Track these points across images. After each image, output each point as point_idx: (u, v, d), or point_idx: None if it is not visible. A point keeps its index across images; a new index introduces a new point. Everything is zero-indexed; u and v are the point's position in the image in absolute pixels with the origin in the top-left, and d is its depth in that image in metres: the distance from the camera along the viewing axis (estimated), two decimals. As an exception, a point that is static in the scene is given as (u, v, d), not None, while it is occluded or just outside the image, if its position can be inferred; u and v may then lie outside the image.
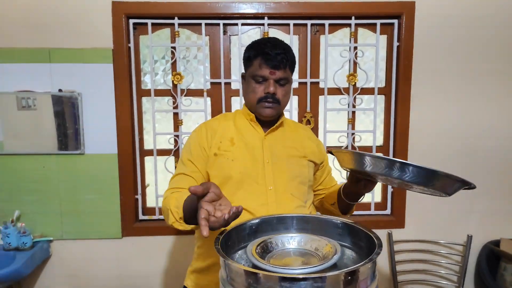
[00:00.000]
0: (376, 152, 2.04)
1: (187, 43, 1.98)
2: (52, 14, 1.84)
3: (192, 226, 1.00)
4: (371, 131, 2.02)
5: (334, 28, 1.97)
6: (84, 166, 1.93)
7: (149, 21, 1.89)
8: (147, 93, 1.98)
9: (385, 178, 0.85)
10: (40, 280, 1.99)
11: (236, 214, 0.80)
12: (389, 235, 2.04)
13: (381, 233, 2.04)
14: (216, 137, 1.21)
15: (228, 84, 1.98)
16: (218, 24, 1.91)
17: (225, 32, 1.95)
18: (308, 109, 1.99)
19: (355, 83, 1.99)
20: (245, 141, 1.21)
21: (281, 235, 0.91)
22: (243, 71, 1.28)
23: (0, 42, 1.84)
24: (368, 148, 2.04)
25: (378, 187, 2.09)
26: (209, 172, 1.19)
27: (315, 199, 1.38)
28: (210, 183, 0.84)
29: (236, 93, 1.99)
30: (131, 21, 1.89)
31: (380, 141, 2.08)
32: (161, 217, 2.02)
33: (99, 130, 1.91)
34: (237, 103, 1.99)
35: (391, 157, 0.90)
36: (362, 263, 0.69)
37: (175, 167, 1.43)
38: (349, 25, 1.95)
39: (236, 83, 1.98)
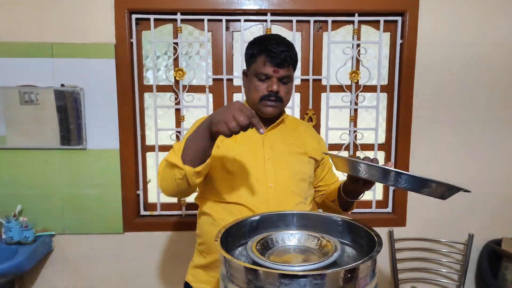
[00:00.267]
0: (378, 150, 2.03)
1: (190, 39, 1.98)
2: (54, 8, 1.84)
3: (188, 168, 0.97)
4: (373, 128, 2.01)
5: (337, 25, 1.96)
6: (86, 161, 1.93)
7: (152, 17, 1.88)
8: (149, 88, 1.98)
9: (380, 182, 0.87)
10: (42, 274, 2.00)
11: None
12: (390, 233, 2.04)
13: (382, 231, 2.04)
14: None
15: (230, 80, 1.98)
16: (221, 20, 1.91)
17: (227, 28, 1.95)
18: (310, 106, 1.99)
19: (358, 80, 1.98)
20: (246, 138, 1.21)
21: (281, 232, 0.91)
22: (245, 67, 1.27)
23: (3, 37, 1.84)
24: (370, 146, 2.04)
25: (379, 185, 2.09)
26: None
27: (316, 196, 1.38)
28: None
29: (238, 89, 1.99)
30: (134, 16, 1.88)
31: (382, 139, 2.07)
32: (163, 212, 2.02)
33: (101, 125, 1.92)
34: (239, 99, 1.99)
35: (392, 164, 0.91)
36: (362, 260, 0.69)
37: None
38: (352, 22, 1.94)
39: (238, 80, 1.98)
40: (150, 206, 2.06)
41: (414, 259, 2.07)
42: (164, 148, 2.00)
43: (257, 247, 0.82)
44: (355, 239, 0.91)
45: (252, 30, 1.97)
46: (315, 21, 1.93)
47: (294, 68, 1.22)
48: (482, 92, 1.98)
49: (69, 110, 1.89)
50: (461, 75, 1.96)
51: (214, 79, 1.97)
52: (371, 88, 2.01)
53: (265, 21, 1.92)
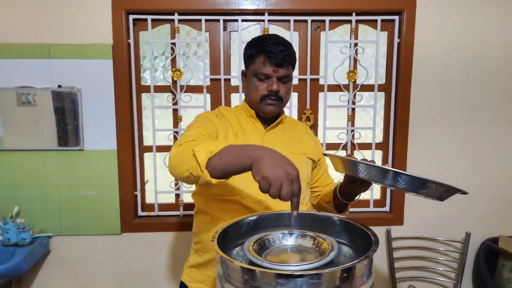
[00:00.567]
0: (376, 149, 2.04)
1: (187, 39, 1.98)
2: (51, 9, 1.84)
3: (208, 177, 0.87)
4: (370, 128, 2.01)
5: (334, 24, 1.97)
6: (84, 162, 1.93)
7: (149, 17, 1.88)
8: (146, 89, 1.98)
9: (379, 183, 0.87)
10: (39, 275, 1.99)
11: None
12: (388, 232, 2.04)
13: (380, 230, 2.04)
14: (225, 125, 1.20)
15: (227, 80, 1.98)
16: (218, 20, 1.91)
17: (225, 28, 1.95)
18: (308, 106, 1.99)
19: (355, 79, 1.98)
20: (247, 137, 1.21)
21: (278, 232, 0.91)
22: (243, 67, 1.27)
23: (0, 38, 1.84)
24: (368, 145, 2.04)
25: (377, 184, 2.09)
26: None
27: (311, 196, 1.38)
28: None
29: (235, 89, 1.98)
30: (131, 16, 1.88)
31: (379, 138, 2.08)
32: (160, 213, 2.02)
33: (99, 126, 1.91)
34: (237, 99, 1.99)
35: (389, 166, 0.91)
36: (358, 260, 0.69)
37: None
38: (349, 21, 1.94)
39: (236, 80, 1.98)
40: (147, 207, 2.06)
41: (412, 257, 2.08)
42: (162, 148, 2.00)
43: (254, 247, 0.82)
44: (352, 238, 0.91)
45: (250, 30, 1.97)
46: (312, 21, 1.94)
47: (293, 68, 1.23)
48: (480, 91, 1.98)
49: (66, 111, 1.89)
50: (459, 74, 1.96)
51: (211, 79, 1.97)
52: (368, 88, 2.01)
53: (263, 21, 1.92)
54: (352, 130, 2.03)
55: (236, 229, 0.91)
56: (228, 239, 0.88)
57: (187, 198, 2.03)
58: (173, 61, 1.95)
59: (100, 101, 1.90)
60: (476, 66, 1.96)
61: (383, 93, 2.04)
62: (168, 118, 2.02)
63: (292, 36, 1.91)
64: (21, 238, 1.80)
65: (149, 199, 2.07)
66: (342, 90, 2.00)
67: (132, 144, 1.96)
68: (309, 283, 0.65)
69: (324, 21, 1.92)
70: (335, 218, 0.94)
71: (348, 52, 1.97)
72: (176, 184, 2.03)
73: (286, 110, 1.86)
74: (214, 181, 0.87)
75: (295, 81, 1.99)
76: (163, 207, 2.04)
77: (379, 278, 2.10)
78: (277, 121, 1.26)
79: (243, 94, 1.27)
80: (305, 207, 1.24)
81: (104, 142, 1.92)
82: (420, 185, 0.80)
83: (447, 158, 2.02)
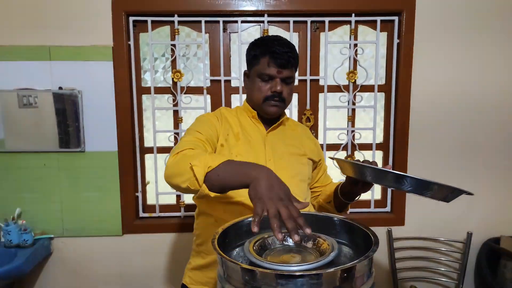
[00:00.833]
0: (376, 150, 2.04)
1: (187, 41, 1.98)
2: (52, 11, 1.84)
3: (206, 190, 0.88)
4: (371, 128, 2.02)
5: (334, 25, 1.97)
6: (85, 163, 1.93)
7: (149, 19, 1.89)
8: (147, 90, 1.98)
9: (384, 185, 0.89)
10: (41, 277, 2.00)
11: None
12: (389, 233, 2.04)
13: (381, 231, 2.04)
14: (225, 127, 1.21)
15: (228, 81, 1.98)
16: (218, 22, 1.91)
17: (225, 30, 1.95)
18: (308, 107, 1.99)
19: (355, 80, 1.98)
20: (248, 138, 1.22)
21: (278, 232, 0.91)
22: (244, 68, 1.28)
23: (0, 40, 1.84)
24: (368, 146, 2.04)
25: (378, 185, 2.09)
26: None
27: (311, 196, 1.39)
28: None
29: (236, 90, 1.99)
30: (131, 18, 1.89)
31: (380, 138, 2.08)
32: (162, 214, 2.02)
33: (100, 128, 1.92)
34: (237, 100, 1.99)
35: (391, 168, 0.93)
36: (358, 260, 0.69)
37: None
38: (349, 22, 1.94)
39: (236, 81, 1.98)
40: (149, 208, 2.06)
41: (413, 258, 2.07)
42: (163, 149, 2.00)
43: (254, 248, 0.83)
44: (352, 238, 0.91)
45: (250, 31, 1.97)
46: (312, 22, 1.94)
47: (296, 69, 1.24)
48: (481, 95, 1.98)
49: (67, 113, 1.89)
50: (459, 75, 1.96)
51: (211, 81, 1.97)
52: (368, 88, 2.01)
53: (262, 22, 1.92)
54: (353, 131, 2.03)
55: (236, 229, 0.91)
56: (229, 240, 0.88)
57: (188, 199, 2.04)
58: (173, 62, 1.96)
59: (100, 102, 1.90)
60: (477, 65, 1.96)
61: (383, 94, 2.04)
62: (168, 119, 2.03)
63: (291, 37, 1.91)
64: (23, 240, 1.81)
65: (150, 200, 2.07)
66: (342, 91, 2.00)
67: (133, 145, 1.97)
68: (309, 283, 0.65)
69: (323, 22, 1.92)
70: (335, 219, 0.95)
71: (347, 52, 1.98)
72: (177, 185, 2.03)
73: (286, 111, 1.86)
74: (212, 194, 0.89)
75: (295, 82, 1.99)
76: (164, 208, 2.04)
77: (380, 278, 2.10)
78: (278, 122, 1.27)
79: (243, 95, 1.28)
80: (305, 208, 1.24)
81: (105, 143, 1.93)
82: (425, 187, 0.82)
83: (448, 158, 2.02)
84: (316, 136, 2.02)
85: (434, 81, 1.96)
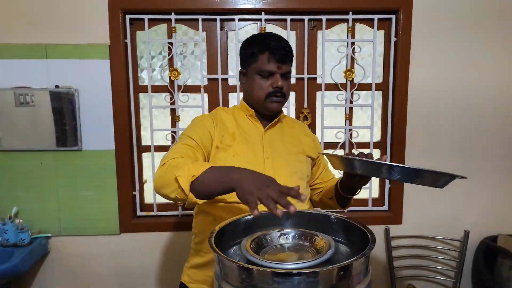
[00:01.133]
0: (374, 148, 2.04)
1: (184, 39, 1.98)
2: (48, 9, 1.83)
3: (193, 197, 0.90)
4: (368, 126, 2.02)
5: (331, 23, 1.97)
6: (82, 162, 1.93)
7: (146, 17, 1.88)
8: (144, 89, 1.97)
9: (375, 176, 0.90)
10: (38, 276, 1.99)
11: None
12: (387, 231, 2.04)
13: (379, 229, 2.05)
14: (220, 129, 1.21)
15: (225, 80, 1.98)
16: (215, 20, 1.91)
17: (222, 28, 1.94)
18: (305, 105, 1.99)
19: (353, 78, 1.98)
20: (245, 137, 1.21)
21: (275, 231, 0.91)
22: (239, 67, 1.27)
23: (-3, 38, 1.84)
24: (366, 144, 2.04)
25: (375, 183, 2.10)
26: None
27: (313, 194, 1.39)
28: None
29: (233, 89, 1.98)
30: (128, 16, 1.88)
31: (377, 136, 2.08)
32: (159, 213, 2.02)
33: (97, 126, 1.91)
34: (235, 99, 1.99)
35: (387, 158, 0.95)
36: (354, 258, 0.69)
37: None
38: (346, 20, 1.94)
39: (233, 79, 1.98)
40: (146, 207, 2.06)
41: (411, 256, 2.08)
42: (160, 148, 2.00)
43: (251, 246, 0.83)
44: (349, 236, 0.91)
45: (247, 29, 1.97)
46: (309, 20, 1.93)
47: (291, 64, 1.25)
48: (478, 93, 1.98)
49: (64, 111, 1.89)
50: (456, 73, 1.96)
51: (209, 79, 1.97)
52: (366, 86, 2.01)
53: (260, 20, 1.92)
54: (350, 129, 2.03)
55: (233, 228, 0.91)
56: (226, 238, 0.88)
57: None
58: (171, 60, 1.95)
59: (97, 101, 1.89)
60: (474, 63, 1.96)
61: (380, 92, 2.04)
62: (166, 117, 2.02)
63: (289, 35, 1.91)
64: (20, 239, 1.80)
65: (148, 199, 2.07)
66: (339, 89, 2.00)
67: (130, 144, 1.96)
68: (306, 281, 0.65)
69: (321, 20, 1.92)
70: (332, 217, 0.95)
71: (345, 51, 1.98)
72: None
73: (283, 109, 1.86)
74: (200, 201, 0.91)
75: (292, 80, 1.99)
76: (162, 207, 2.04)
77: (378, 277, 2.10)
78: (275, 120, 1.27)
79: (241, 94, 1.27)
80: (306, 205, 1.24)
81: (102, 142, 1.92)
82: (414, 175, 0.83)
83: (445, 156, 2.02)
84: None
85: (431, 79, 1.96)
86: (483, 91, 1.98)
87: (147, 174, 2.05)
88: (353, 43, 1.96)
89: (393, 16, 1.93)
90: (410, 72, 1.95)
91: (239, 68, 1.29)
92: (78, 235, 1.97)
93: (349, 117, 2.02)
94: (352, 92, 2.00)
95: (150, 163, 2.00)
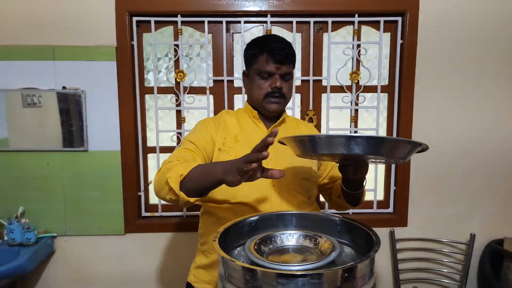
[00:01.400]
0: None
1: (190, 41, 1.99)
2: (55, 11, 1.85)
3: (184, 196, 0.94)
4: (374, 129, 2.01)
5: (337, 25, 1.97)
6: (88, 163, 1.94)
7: (152, 19, 1.89)
8: (150, 90, 1.99)
9: (342, 156, 0.85)
10: (44, 275, 2.01)
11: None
12: (392, 234, 2.03)
13: (384, 232, 2.04)
14: (222, 131, 1.22)
15: (230, 81, 1.98)
16: (221, 22, 1.91)
17: (228, 30, 1.95)
18: (311, 107, 1.99)
19: (358, 81, 1.98)
20: (248, 139, 1.22)
21: (280, 232, 0.91)
22: (244, 69, 1.28)
23: (4, 40, 1.86)
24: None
25: (380, 185, 2.09)
26: None
27: (325, 194, 1.38)
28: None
29: (239, 90, 1.99)
30: (134, 18, 1.89)
31: (383, 139, 2.07)
32: (164, 213, 2.03)
33: (103, 127, 1.93)
34: (240, 100, 1.99)
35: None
36: (359, 260, 0.69)
37: None
38: (352, 22, 1.94)
39: (239, 81, 1.98)
40: (151, 207, 2.07)
41: (416, 259, 2.07)
42: (165, 149, 2.00)
43: (255, 247, 0.83)
44: (354, 238, 0.91)
45: (253, 31, 1.97)
46: (315, 22, 1.94)
47: (294, 66, 1.25)
48: (483, 93, 1.97)
49: (71, 112, 1.90)
50: (462, 76, 1.96)
51: (214, 81, 1.98)
52: (371, 89, 2.01)
53: (265, 22, 1.92)
54: (355, 131, 2.02)
55: (238, 229, 0.91)
56: (230, 239, 0.89)
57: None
58: (176, 62, 1.96)
59: (104, 102, 1.91)
60: (480, 69, 1.95)
61: (386, 94, 2.03)
62: (171, 119, 2.03)
63: (294, 38, 1.91)
64: (26, 238, 1.82)
65: (153, 199, 2.08)
66: (345, 91, 2.00)
67: (136, 145, 1.97)
68: (310, 283, 0.65)
69: (326, 22, 1.92)
70: (337, 219, 0.95)
71: (350, 53, 1.97)
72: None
73: (289, 111, 1.86)
74: (192, 199, 0.95)
75: (297, 82, 1.99)
76: (167, 207, 2.05)
77: (383, 279, 2.09)
78: (279, 121, 1.27)
79: (246, 96, 1.28)
80: (311, 206, 1.24)
81: (108, 143, 1.94)
82: (374, 145, 0.79)
83: (451, 158, 2.01)
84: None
85: (437, 82, 1.95)
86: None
87: (152, 175, 2.06)
88: (358, 45, 1.96)
89: (400, 19, 1.93)
90: (416, 74, 1.94)
91: (244, 69, 1.30)
92: (84, 235, 1.99)
93: (354, 119, 2.02)
94: (358, 94, 2.00)
95: (155, 164, 2.01)
